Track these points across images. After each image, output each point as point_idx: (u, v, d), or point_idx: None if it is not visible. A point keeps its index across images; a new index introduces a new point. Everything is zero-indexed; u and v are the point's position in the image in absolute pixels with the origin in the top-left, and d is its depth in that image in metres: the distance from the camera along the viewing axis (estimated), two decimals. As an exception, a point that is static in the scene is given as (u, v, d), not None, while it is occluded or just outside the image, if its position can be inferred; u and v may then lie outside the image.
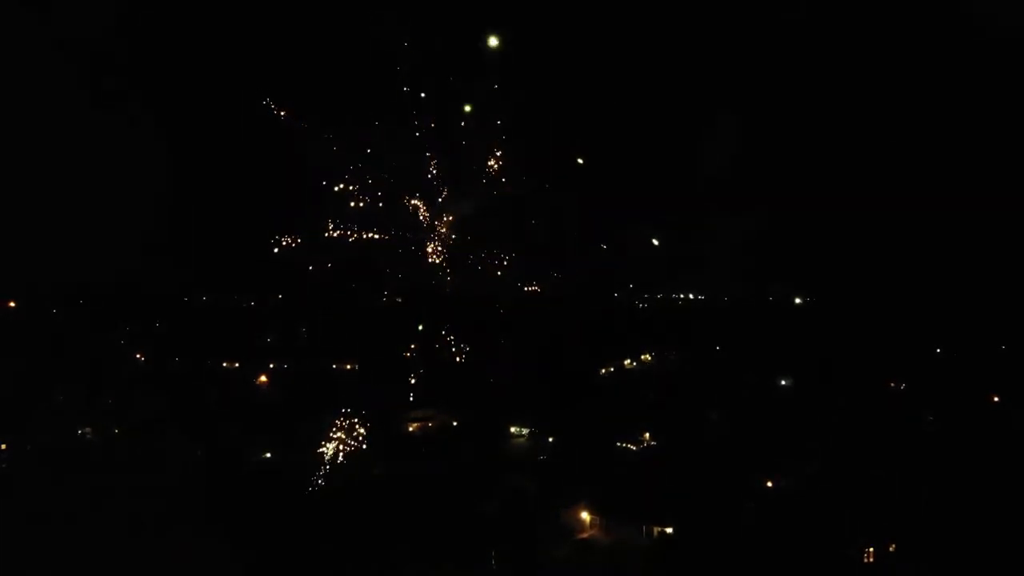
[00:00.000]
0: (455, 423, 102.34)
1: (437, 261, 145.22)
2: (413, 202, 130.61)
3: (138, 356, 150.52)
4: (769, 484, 74.82)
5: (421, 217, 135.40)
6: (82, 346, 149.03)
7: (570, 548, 62.47)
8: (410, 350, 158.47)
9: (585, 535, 65.81)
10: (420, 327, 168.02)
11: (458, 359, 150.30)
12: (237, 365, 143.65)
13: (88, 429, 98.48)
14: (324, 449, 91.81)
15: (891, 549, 61.47)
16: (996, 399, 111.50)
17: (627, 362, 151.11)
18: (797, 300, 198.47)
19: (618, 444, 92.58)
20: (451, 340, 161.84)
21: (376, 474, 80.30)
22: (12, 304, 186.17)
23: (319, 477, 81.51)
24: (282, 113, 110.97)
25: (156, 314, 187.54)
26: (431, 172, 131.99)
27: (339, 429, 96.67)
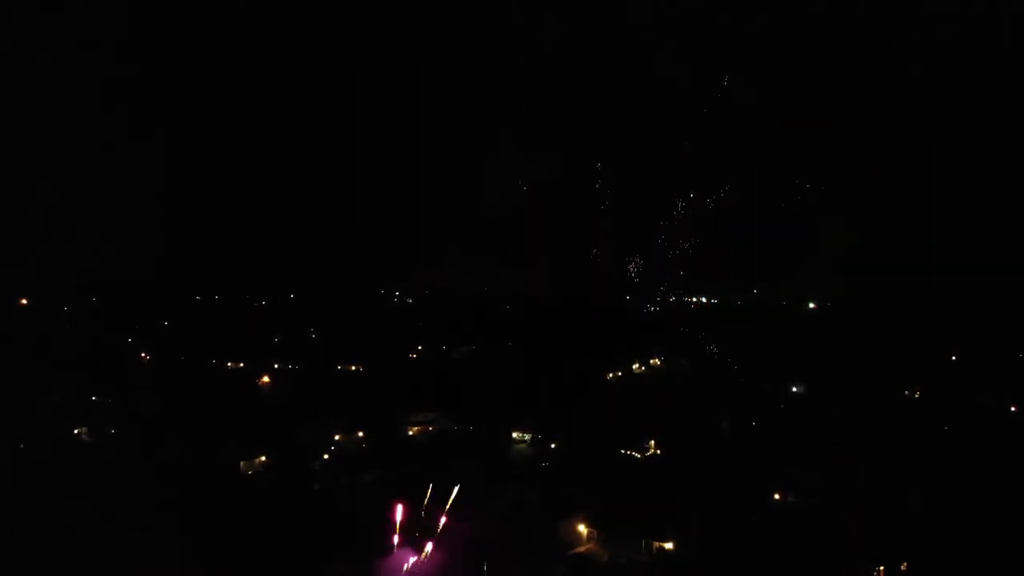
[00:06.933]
0: (456, 427, 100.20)
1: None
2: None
3: (143, 355, 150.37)
4: (777, 497, 72.12)
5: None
6: (91, 343, 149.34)
7: (566, 564, 60.03)
8: (416, 352, 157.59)
9: (582, 549, 63.43)
10: (426, 329, 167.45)
11: (462, 361, 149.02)
12: (242, 365, 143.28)
13: (84, 429, 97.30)
14: (322, 452, 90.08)
15: (903, 568, 58.73)
16: (1013, 408, 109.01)
17: (635, 366, 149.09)
18: (811, 305, 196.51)
19: (622, 452, 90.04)
20: (456, 342, 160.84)
21: (370, 480, 78.19)
22: (24, 301, 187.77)
23: (315, 480, 79.88)
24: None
25: (164, 312, 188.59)
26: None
27: (338, 432, 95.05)
